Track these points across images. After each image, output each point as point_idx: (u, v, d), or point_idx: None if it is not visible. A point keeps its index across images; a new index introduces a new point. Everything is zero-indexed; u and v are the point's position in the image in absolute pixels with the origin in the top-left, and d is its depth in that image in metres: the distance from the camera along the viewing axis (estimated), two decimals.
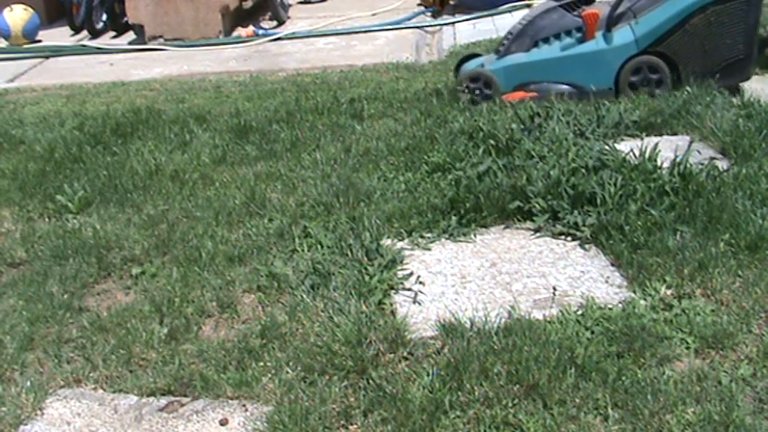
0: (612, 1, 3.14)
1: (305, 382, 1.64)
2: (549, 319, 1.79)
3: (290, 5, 6.06)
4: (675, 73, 3.13)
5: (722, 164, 2.44)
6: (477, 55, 3.47)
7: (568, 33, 3.20)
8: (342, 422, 1.53)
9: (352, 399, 1.58)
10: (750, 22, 3.09)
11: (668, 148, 2.51)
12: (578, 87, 3.15)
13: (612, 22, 3.12)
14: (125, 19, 5.44)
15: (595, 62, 3.14)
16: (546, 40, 3.23)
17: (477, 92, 3.22)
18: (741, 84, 3.22)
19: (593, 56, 3.14)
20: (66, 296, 2.06)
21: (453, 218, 2.27)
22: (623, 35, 3.12)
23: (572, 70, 3.16)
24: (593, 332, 1.73)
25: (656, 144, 2.45)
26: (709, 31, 3.07)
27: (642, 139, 2.75)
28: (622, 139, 2.76)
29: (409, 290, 1.97)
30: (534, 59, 3.21)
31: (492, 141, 2.63)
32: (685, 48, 3.09)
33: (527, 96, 3.15)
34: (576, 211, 2.20)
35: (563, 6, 3.27)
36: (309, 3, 6.41)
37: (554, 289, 1.92)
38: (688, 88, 3.06)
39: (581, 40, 3.17)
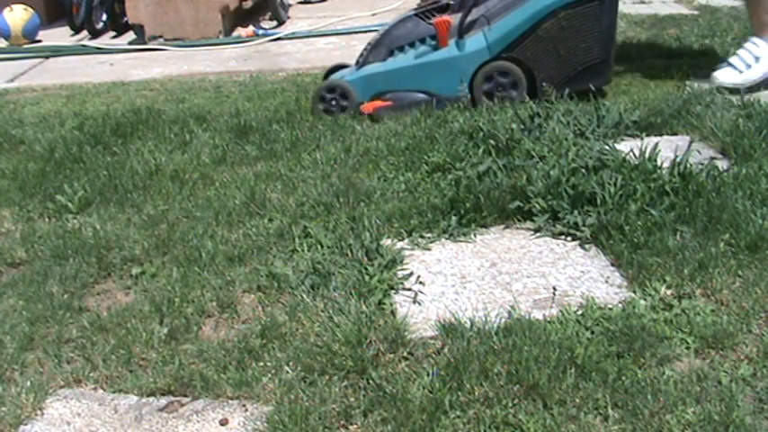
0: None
1: (305, 382, 1.65)
2: (549, 319, 1.79)
3: (290, 5, 6.06)
4: (531, 78, 3.13)
5: (722, 164, 2.44)
6: (344, 65, 3.45)
7: (423, 41, 3.20)
8: (342, 422, 1.53)
9: (352, 399, 1.58)
10: (604, 25, 3.08)
11: (668, 148, 2.51)
12: (433, 95, 3.15)
13: (464, 29, 3.13)
14: (125, 19, 5.43)
15: (449, 69, 3.13)
16: (401, 49, 3.23)
17: (334, 102, 3.22)
18: (602, 87, 3.22)
19: (446, 63, 3.13)
20: (66, 296, 2.06)
21: (453, 218, 2.27)
22: (476, 42, 3.12)
23: (426, 78, 3.15)
24: (593, 332, 1.73)
25: (656, 144, 2.45)
26: (563, 35, 3.07)
27: (642, 139, 2.75)
28: (622, 139, 2.77)
29: (409, 290, 1.97)
30: (390, 68, 3.20)
31: (492, 141, 2.63)
32: (539, 52, 3.10)
33: (383, 105, 3.16)
34: (576, 211, 2.20)
35: (418, 15, 3.28)
36: (309, 3, 6.41)
37: (554, 289, 1.92)
38: (688, 88, 3.06)
39: (435, 48, 3.17)
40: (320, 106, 3.24)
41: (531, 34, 3.07)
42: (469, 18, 3.14)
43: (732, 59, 3.24)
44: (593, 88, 3.09)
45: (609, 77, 3.23)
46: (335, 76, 3.36)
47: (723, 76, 3.21)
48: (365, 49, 3.30)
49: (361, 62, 3.28)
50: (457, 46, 3.13)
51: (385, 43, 3.25)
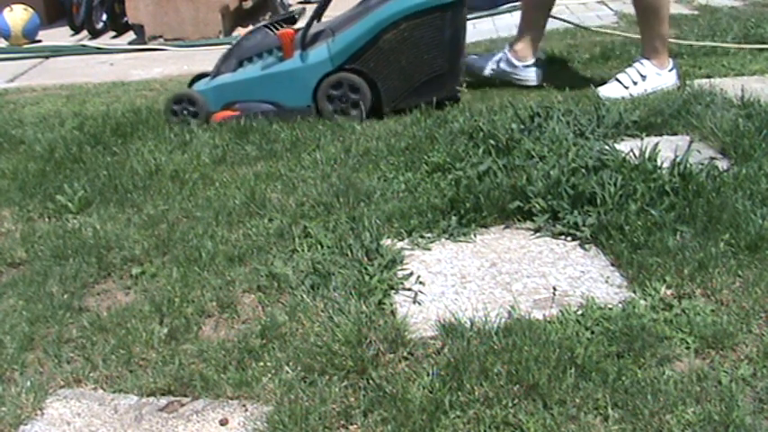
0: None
1: (305, 382, 1.65)
2: (549, 319, 1.79)
3: (289, 5, 6.07)
4: (375, 89, 3.15)
5: (722, 164, 2.44)
6: (207, 74, 3.48)
7: (270, 53, 3.24)
8: (342, 422, 1.54)
9: (352, 399, 1.58)
10: (447, 37, 3.10)
11: (668, 148, 2.51)
12: (279, 106, 3.19)
13: (308, 40, 3.16)
14: (125, 19, 5.44)
15: (293, 80, 3.17)
16: (250, 60, 3.27)
17: (185, 112, 3.26)
18: (453, 99, 3.24)
19: (290, 74, 3.17)
20: (66, 296, 2.06)
21: (453, 218, 2.27)
22: (319, 53, 3.15)
23: (272, 89, 3.18)
24: (593, 332, 1.73)
25: (656, 144, 2.45)
26: (405, 46, 3.09)
27: (642, 139, 2.75)
28: (622, 139, 2.77)
29: (409, 290, 1.97)
30: (238, 79, 3.24)
31: (492, 141, 2.63)
32: (381, 64, 3.11)
33: (232, 116, 3.20)
34: (575, 211, 2.20)
35: (268, 27, 3.32)
36: (309, 3, 6.42)
37: (554, 289, 1.92)
38: (688, 88, 3.06)
39: (281, 60, 3.20)
40: (172, 115, 3.27)
41: (372, 45, 3.09)
42: (314, 29, 3.19)
43: (620, 76, 3.34)
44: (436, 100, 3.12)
45: (454, 89, 3.24)
46: (195, 86, 3.39)
47: (608, 90, 3.29)
48: (219, 60, 3.35)
49: (214, 72, 3.32)
50: (301, 57, 3.17)
51: (236, 54, 3.29)
